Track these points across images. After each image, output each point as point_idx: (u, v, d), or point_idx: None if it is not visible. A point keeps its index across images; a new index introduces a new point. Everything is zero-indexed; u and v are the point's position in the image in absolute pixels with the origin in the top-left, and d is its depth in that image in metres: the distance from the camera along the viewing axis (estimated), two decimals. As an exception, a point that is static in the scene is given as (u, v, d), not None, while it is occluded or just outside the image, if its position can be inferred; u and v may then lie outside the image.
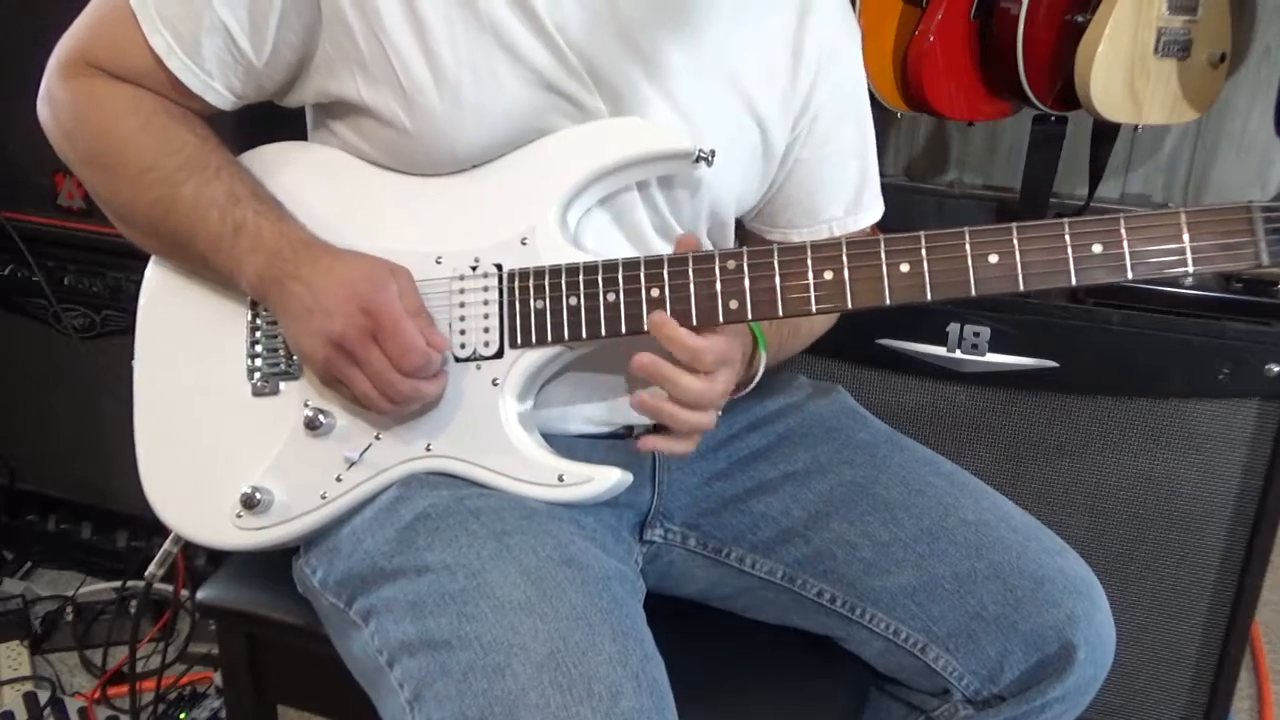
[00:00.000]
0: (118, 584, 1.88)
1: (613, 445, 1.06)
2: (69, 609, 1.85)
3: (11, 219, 1.74)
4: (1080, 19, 1.52)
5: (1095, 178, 1.72)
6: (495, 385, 0.97)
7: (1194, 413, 1.44)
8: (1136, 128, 1.59)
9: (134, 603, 1.84)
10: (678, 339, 0.91)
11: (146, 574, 1.12)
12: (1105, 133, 1.68)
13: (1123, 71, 1.52)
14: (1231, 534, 1.47)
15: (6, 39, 1.61)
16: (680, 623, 0.93)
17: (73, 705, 1.69)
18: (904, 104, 1.62)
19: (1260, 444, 1.43)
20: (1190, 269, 0.84)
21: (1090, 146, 1.70)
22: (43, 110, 1.02)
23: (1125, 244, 0.85)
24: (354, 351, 0.92)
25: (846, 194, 1.14)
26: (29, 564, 1.99)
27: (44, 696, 1.69)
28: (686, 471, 1.11)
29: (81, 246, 1.74)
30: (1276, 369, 1.38)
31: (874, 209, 1.16)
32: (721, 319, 0.93)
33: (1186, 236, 0.84)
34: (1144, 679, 1.56)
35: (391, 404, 0.93)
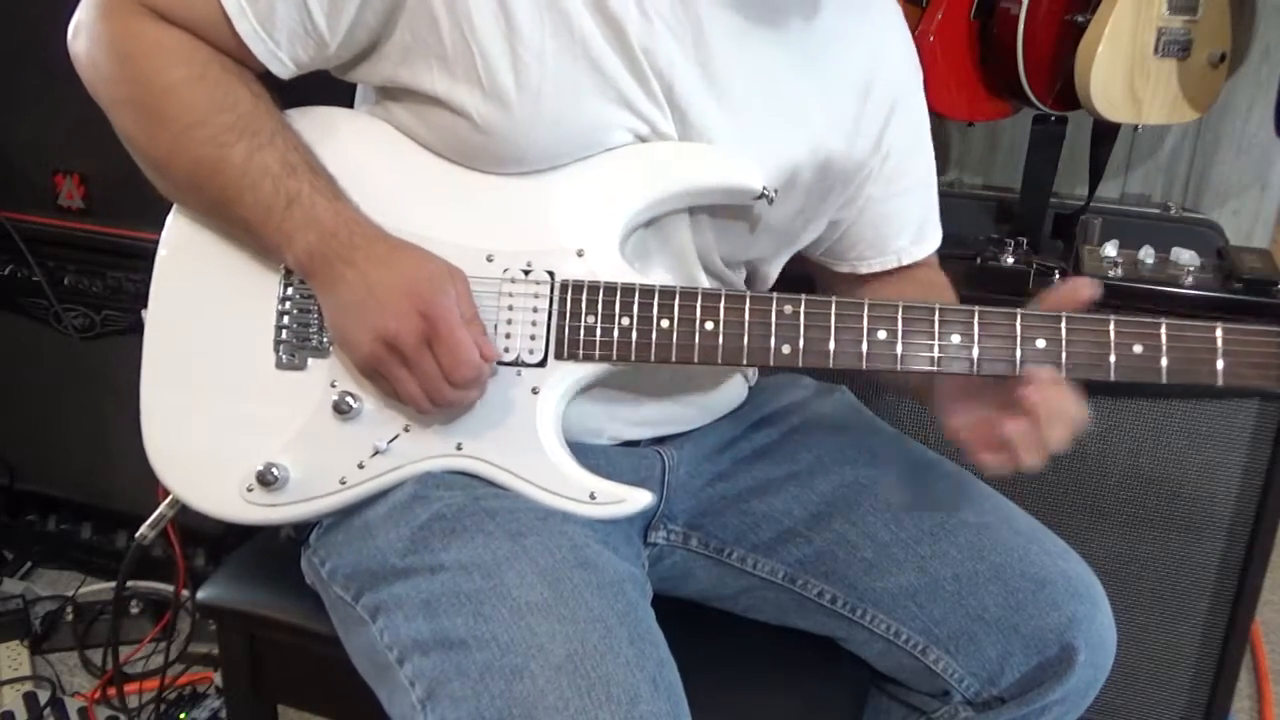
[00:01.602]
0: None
1: (625, 452, 1.06)
2: (69, 609, 1.85)
3: (11, 219, 1.74)
4: (1080, 19, 1.52)
5: (1095, 178, 1.72)
6: (535, 393, 0.95)
7: (1194, 413, 1.44)
8: (1136, 128, 1.59)
9: (133, 601, 1.84)
10: (1064, 411, 0.87)
11: (138, 535, 1.08)
12: (1105, 133, 1.67)
13: (1123, 71, 1.52)
14: (1231, 534, 1.47)
15: (6, 40, 1.60)
16: (681, 623, 0.93)
17: (73, 705, 1.69)
18: (904, 104, 1.62)
19: (1260, 444, 1.43)
20: (1220, 382, 0.88)
21: (1090, 146, 1.70)
22: (76, 44, 0.95)
23: (1164, 348, 0.89)
24: (407, 355, 0.90)
25: (913, 225, 1.14)
26: (29, 564, 1.99)
27: (44, 696, 1.69)
28: (691, 474, 1.10)
29: (81, 246, 1.73)
30: (1277, 369, 1.38)
31: (935, 237, 1.16)
32: (772, 362, 0.93)
33: (1220, 350, 0.88)
34: (1144, 679, 1.56)
35: (434, 406, 0.92)
